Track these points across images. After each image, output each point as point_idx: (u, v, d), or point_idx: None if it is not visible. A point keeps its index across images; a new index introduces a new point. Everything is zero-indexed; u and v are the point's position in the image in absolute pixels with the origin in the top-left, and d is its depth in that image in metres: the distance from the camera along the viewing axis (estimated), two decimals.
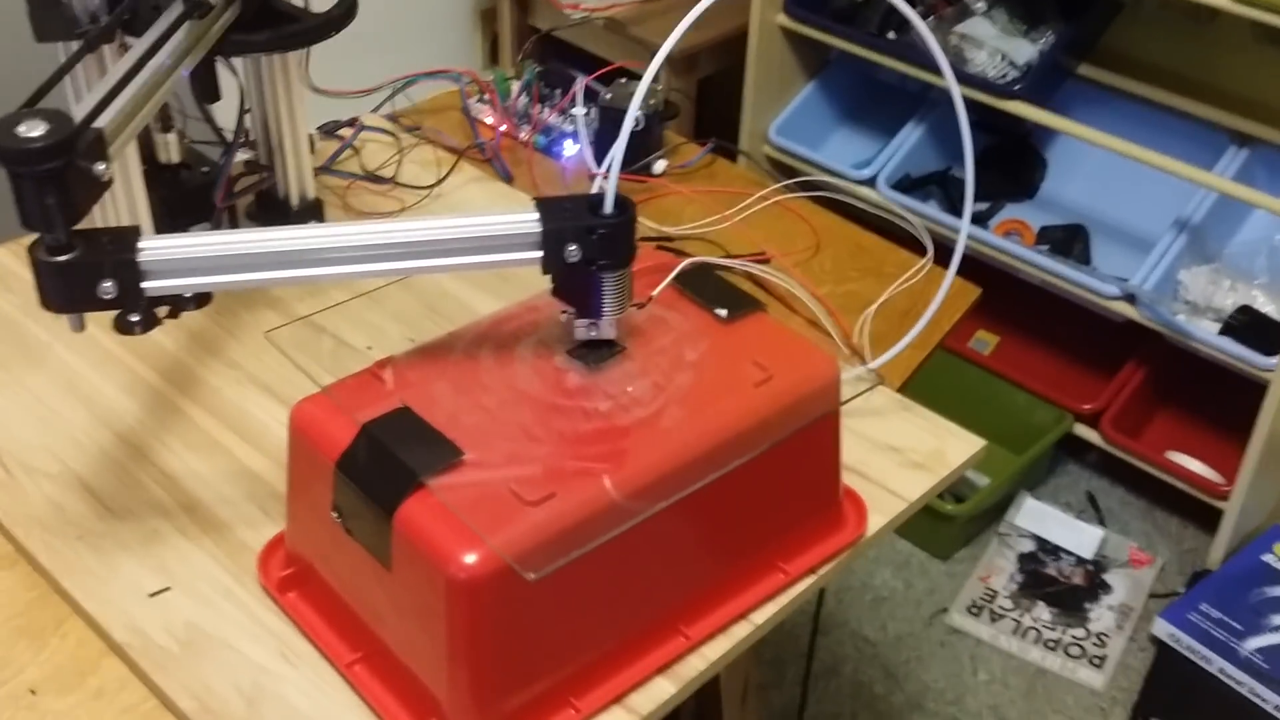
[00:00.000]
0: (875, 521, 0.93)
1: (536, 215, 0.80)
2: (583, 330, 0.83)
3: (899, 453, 0.99)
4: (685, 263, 0.91)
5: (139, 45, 0.88)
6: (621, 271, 0.81)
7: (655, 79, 0.83)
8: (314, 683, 0.81)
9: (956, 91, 0.95)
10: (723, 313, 0.88)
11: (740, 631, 0.85)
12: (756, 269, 1.14)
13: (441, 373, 0.83)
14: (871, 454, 0.99)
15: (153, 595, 0.86)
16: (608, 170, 1.28)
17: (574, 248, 0.79)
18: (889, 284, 1.19)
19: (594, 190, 0.81)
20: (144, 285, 0.76)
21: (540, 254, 0.80)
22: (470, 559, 0.71)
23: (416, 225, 0.80)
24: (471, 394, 0.81)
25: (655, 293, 0.88)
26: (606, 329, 0.83)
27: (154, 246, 0.76)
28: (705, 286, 0.91)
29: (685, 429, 0.80)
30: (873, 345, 1.11)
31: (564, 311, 0.84)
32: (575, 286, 0.82)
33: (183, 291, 0.76)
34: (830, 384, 0.86)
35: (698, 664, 0.83)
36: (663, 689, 0.81)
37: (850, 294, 1.18)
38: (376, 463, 0.77)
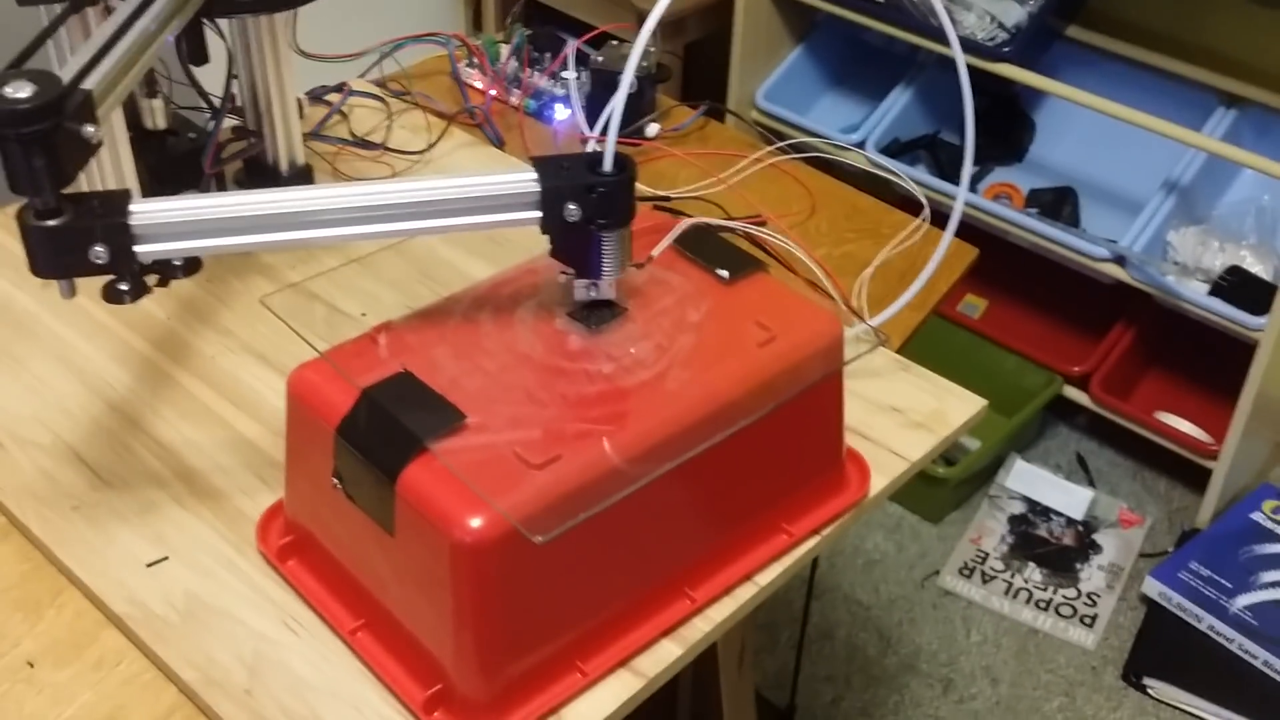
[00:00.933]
0: (878, 482, 0.92)
1: (535, 174, 0.79)
2: (582, 291, 0.82)
3: (900, 413, 0.98)
4: (685, 223, 0.90)
5: (125, 5, 0.86)
6: (621, 231, 0.80)
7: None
8: (317, 650, 0.81)
9: (960, 57, 0.94)
10: (724, 273, 0.87)
11: (745, 593, 0.85)
12: (755, 230, 1.13)
13: (441, 337, 0.82)
14: (873, 415, 0.98)
15: (150, 565, 0.85)
16: (601, 133, 1.28)
17: (573, 207, 0.78)
18: (885, 245, 1.18)
19: (608, 142, 0.80)
20: (136, 249, 0.74)
21: (539, 214, 0.79)
22: (475, 523, 0.71)
23: (414, 186, 0.79)
24: (472, 357, 0.80)
25: (655, 252, 0.87)
26: (606, 289, 0.82)
27: (146, 210, 0.75)
28: (705, 247, 0.90)
29: (690, 390, 0.79)
30: (870, 306, 1.10)
31: (563, 272, 0.83)
32: (574, 246, 0.81)
33: (176, 256, 0.75)
34: (834, 343, 0.85)
35: (703, 626, 0.83)
36: (669, 651, 0.81)
37: (847, 255, 1.17)
38: (378, 428, 0.76)
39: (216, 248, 0.77)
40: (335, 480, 0.78)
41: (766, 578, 0.86)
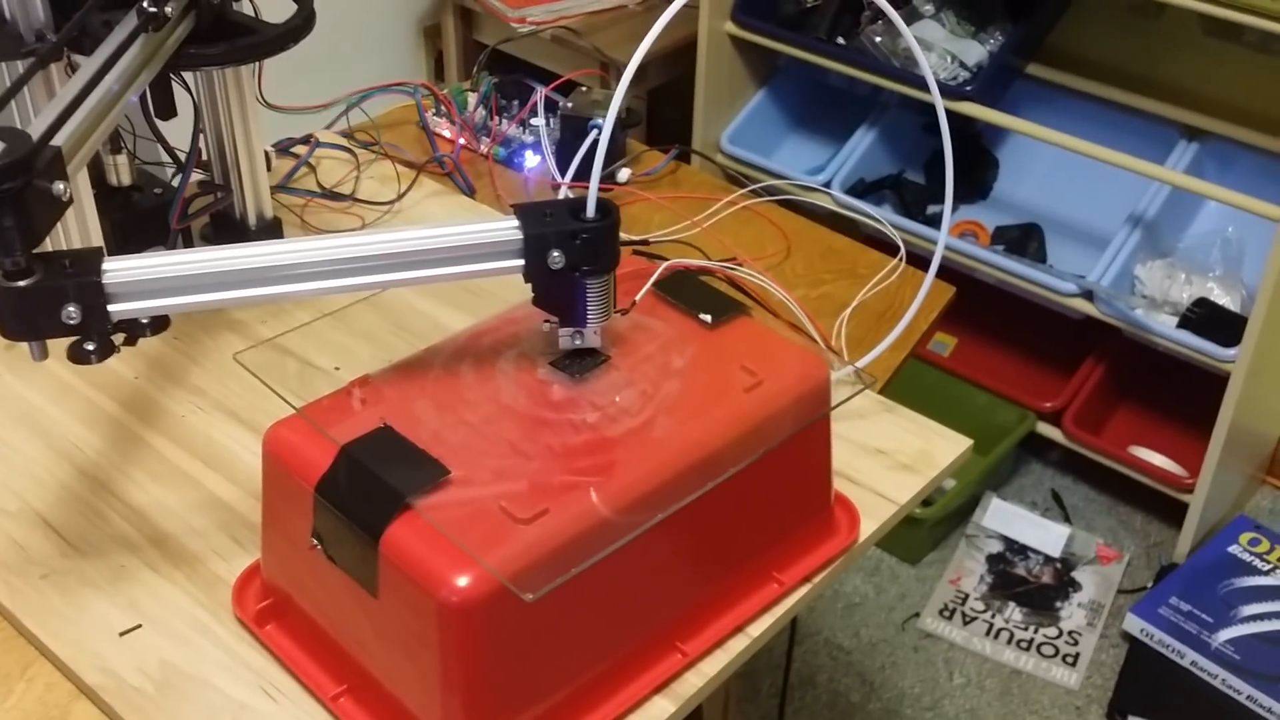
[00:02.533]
0: (867, 526, 0.91)
1: (517, 222, 0.77)
2: (567, 340, 0.81)
3: (886, 455, 0.97)
4: (664, 266, 0.89)
5: (93, 60, 0.85)
6: (605, 277, 0.79)
7: (615, 86, 0.81)
8: (298, 718, 0.78)
9: (939, 102, 0.93)
10: (706, 317, 0.86)
11: (736, 645, 0.83)
12: (734, 269, 1.12)
13: (421, 390, 0.80)
14: (858, 457, 0.97)
15: (124, 634, 0.82)
16: (574, 180, 1.27)
17: (557, 254, 0.77)
18: (862, 285, 1.17)
19: (590, 187, 0.79)
20: (110, 309, 0.72)
21: (522, 261, 0.77)
22: (463, 581, 0.68)
23: (394, 237, 0.77)
24: (454, 410, 0.78)
25: (638, 297, 0.86)
26: (591, 337, 0.81)
27: (119, 268, 0.73)
28: (686, 291, 0.88)
29: (678, 438, 0.77)
30: (850, 347, 1.09)
31: (546, 321, 0.81)
32: (558, 294, 0.80)
33: (150, 314, 0.73)
34: (821, 386, 0.84)
35: (695, 681, 0.81)
36: (661, 709, 0.79)
37: (825, 296, 1.16)
38: (359, 485, 0.74)
39: (192, 305, 0.75)
40: (315, 541, 0.76)
41: (758, 629, 0.84)
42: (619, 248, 0.79)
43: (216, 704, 0.78)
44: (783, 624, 0.86)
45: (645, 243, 1.18)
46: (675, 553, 0.79)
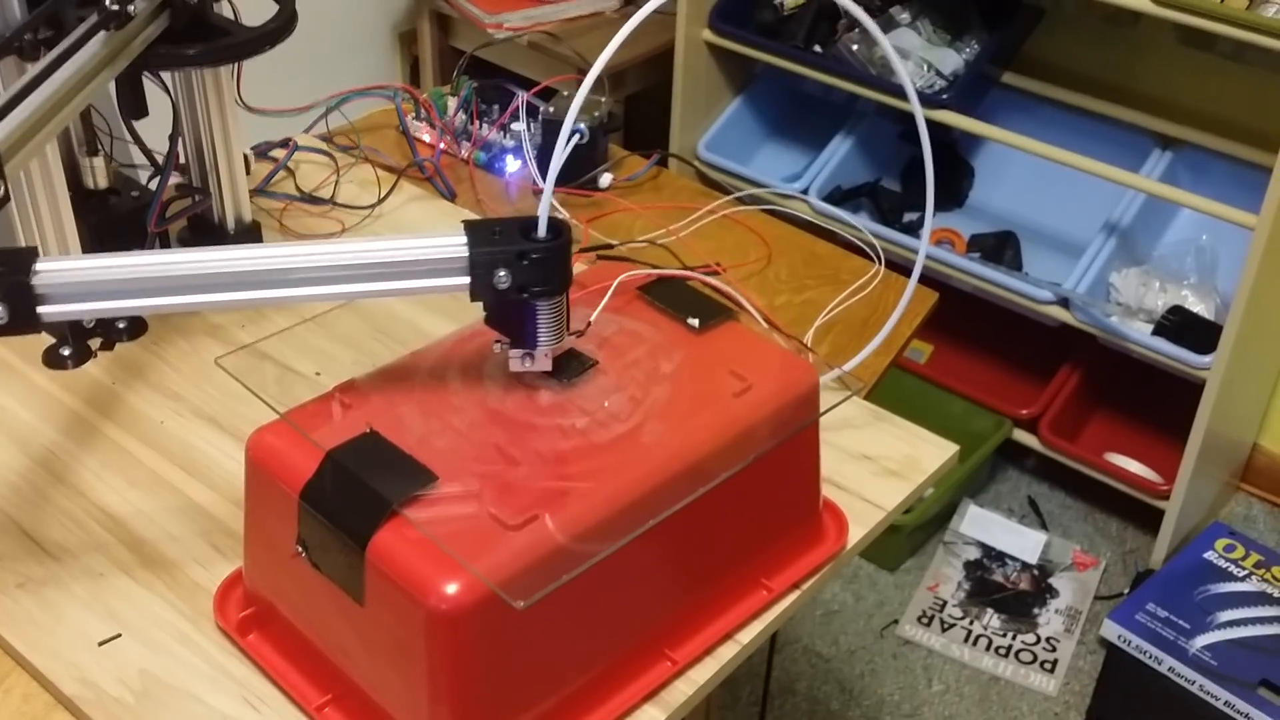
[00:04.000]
0: (855, 532, 0.90)
1: (464, 239, 0.75)
2: (517, 362, 0.78)
3: (873, 461, 0.97)
4: (622, 277, 0.87)
5: (47, 58, 0.83)
6: (556, 299, 0.77)
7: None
8: None
9: (919, 111, 0.93)
10: (694, 322, 0.85)
11: (726, 653, 0.82)
12: (708, 279, 1.11)
13: (407, 395, 0.79)
14: (845, 463, 0.96)
15: (102, 644, 0.81)
16: (556, 184, 1.26)
17: (504, 274, 0.75)
18: (844, 291, 1.17)
19: (541, 206, 0.77)
20: (40, 310, 0.71)
21: (467, 280, 0.75)
22: (451, 589, 0.68)
23: (336, 249, 0.75)
24: (441, 415, 0.77)
25: (593, 316, 0.84)
26: (542, 360, 0.78)
27: (52, 269, 0.71)
28: (674, 296, 0.88)
29: (667, 443, 0.77)
30: (834, 353, 1.09)
31: (498, 341, 0.79)
32: (507, 315, 0.78)
33: (81, 318, 0.72)
34: (810, 392, 0.83)
35: (685, 689, 0.80)
36: (651, 717, 0.78)
37: (808, 302, 1.16)
38: (344, 491, 0.73)
39: (123, 309, 0.74)
40: (299, 548, 0.75)
41: (747, 636, 0.83)
42: (570, 269, 0.77)
43: (198, 715, 0.77)
44: (771, 631, 0.85)
45: (610, 246, 1.17)
46: (664, 559, 0.78)
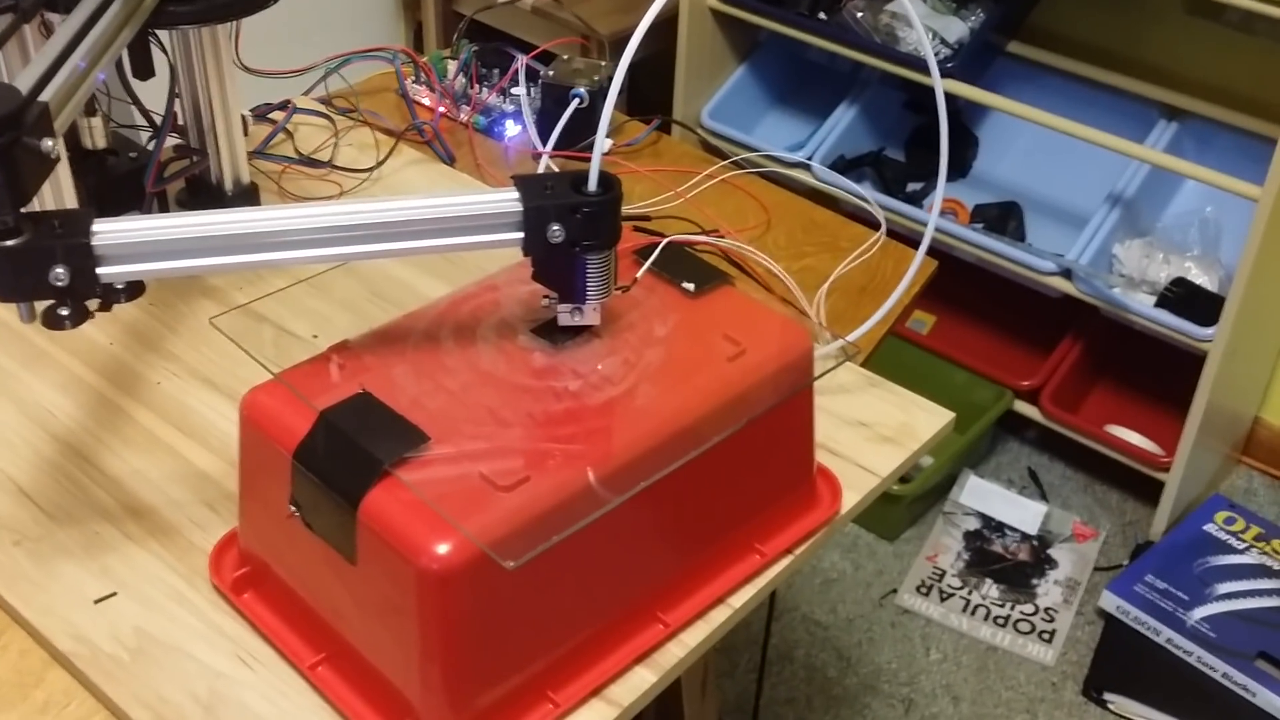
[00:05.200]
0: (849, 498, 0.90)
1: (517, 194, 0.76)
2: (566, 316, 0.79)
3: (868, 427, 0.97)
4: (665, 242, 0.87)
5: (75, 17, 0.83)
6: (606, 253, 0.77)
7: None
8: (275, 687, 0.77)
9: (938, 82, 0.92)
10: (689, 286, 0.85)
11: (718, 616, 0.82)
12: (731, 244, 1.12)
13: (401, 356, 0.79)
14: (840, 429, 0.96)
15: (98, 602, 0.81)
16: (554, 149, 1.26)
17: (557, 228, 0.75)
18: (844, 258, 1.16)
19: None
20: (100, 271, 0.71)
21: (521, 235, 0.76)
22: (443, 549, 0.68)
23: (392, 206, 0.75)
24: (434, 377, 0.77)
25: (640, 274, 0.84)
26: (591, 314, 0.79)
27: (109, 230, 0.71)
28: (669, 260, 0.88)
29: (660, 406, 0.77)
30: (832, 320, 1.09)
31: (546, 297, 0.80)
32: (558, 270, 0.78)
33: (139, 278, 0.71)
34: (804, 356, 0.83)
35: (677, 651, 0.80)
36: (642, 679, 0.78)
37: (807, 269, 1.15)
38: (337, 452, 0.73)
39: (182, 269, 0.73)
40: (293, 508, 0.75)
41: (740, 599, 0.83)
42: (620, 223, 0.78)
43: (192, 672, 0.77)
44: (764, 595, 0.85)
45: (647, 219, 1.17)
46: (656, 522, 0.79)
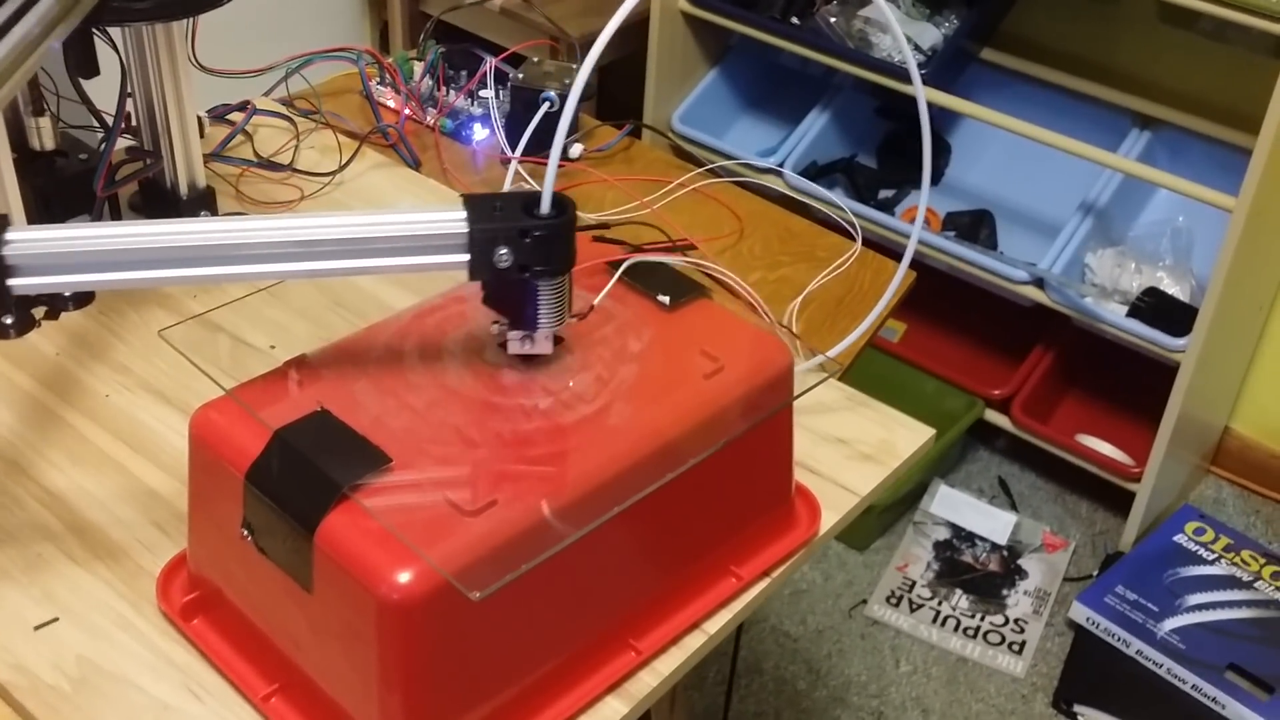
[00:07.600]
0: (828, 518, 0.88)
1: (463, 214, 0.72)
2: (516, 344, 0.75)
3: (847, 445, 0.94)
4: (630, 261, 0.84)
5: (3, 11, 0.79)
6: (559, 279, 0.73)
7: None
8: (225, 719, 0.73)
9: (921, 91, 0.89)
10: (665, 299, 0.82)
11: (693, 642, 0.79)
12: (699, 262, 1.08)
13: (362, 371, 0.75)
14: (819, 447, 0.93)
15: (38, 628, 0.77)
16: (523, 154, 1.22)
17: (505, 251, 0.71)
18: (821, 269, 1.14)
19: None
20: (10, 283, 0.66)
21: (467, 257, 0.72)
22: (404, 578, 0.64)
23: (329, 222, 0.72)
24: (397, 394, 0.74)
25: (597, 300, 0.80)
26: (543, 343, 0.75)
27: (23, 239, 0.67)
28: (643, 272, 0.84)
29: (634, 426, 0.73)
30: (810, 333, 1.06)
31: (496, 322, 0.76)
32: (507, 295, 0.74)
33: (58, 290, 0.67)
34: (784, 373, 0.80)
35: (649, 680, 0.77)
36: (613, 709, 0.75)
37: (783, 280, 1.13)
38: (293, 473, 0.69)
39: (105, 283, 0.69)
40: (245, 531, 0.71)
41: (715, 625, 0.80)
42: (574, 248, 0.74)
43: (138, 704, 0.73)
44: (740, 620, 0.82)
45: (605, 227, 1.13)
46: (630, 546, 0.75)
